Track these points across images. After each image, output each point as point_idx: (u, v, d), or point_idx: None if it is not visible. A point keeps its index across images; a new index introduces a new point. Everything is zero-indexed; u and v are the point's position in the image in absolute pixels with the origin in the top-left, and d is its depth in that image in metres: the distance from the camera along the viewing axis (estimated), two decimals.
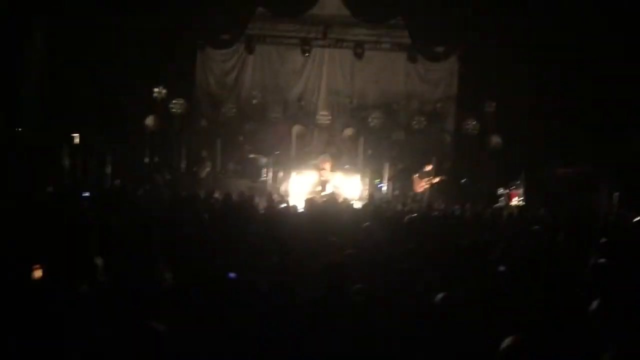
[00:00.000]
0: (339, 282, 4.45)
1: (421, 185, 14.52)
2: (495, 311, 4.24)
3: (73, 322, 3.66)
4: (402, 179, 15.42)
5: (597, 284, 5.03)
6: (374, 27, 16.32)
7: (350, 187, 14.51)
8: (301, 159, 15.61)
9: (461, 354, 3.71)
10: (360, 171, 15.23)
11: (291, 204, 10.84)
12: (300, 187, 14.29)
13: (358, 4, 15.48)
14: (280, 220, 8.46)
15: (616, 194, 12.97)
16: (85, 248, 5.17)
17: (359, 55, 16.53)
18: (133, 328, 3.11)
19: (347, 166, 15.37)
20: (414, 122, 16.43)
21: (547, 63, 14.10)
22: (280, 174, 15.00)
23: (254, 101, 16.70)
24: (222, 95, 16.85)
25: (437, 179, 14.38)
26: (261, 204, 10.90)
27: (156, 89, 15.36)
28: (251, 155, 15.81)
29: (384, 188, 15.24)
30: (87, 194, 9.59)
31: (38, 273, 4.49)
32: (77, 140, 13.68)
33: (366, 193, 14.23)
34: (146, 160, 15.08)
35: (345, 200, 11.79)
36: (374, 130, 16.31)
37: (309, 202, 10.16)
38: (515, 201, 14.01)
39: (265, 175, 15.14)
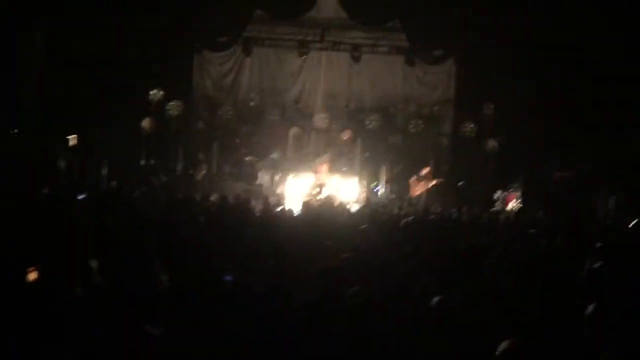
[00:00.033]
0: (335, 286, 4.44)
1: (418, 189, 14.53)
2: (491, 315, 4.23)
3: (68, 325, 3.64)
4: (399, 182, 15.43)
5: (593, 287, 5.03)
6: (372, 30, 16.35)
7: (347, 189, 14.51)
8: (298, 162, 15.60)
9: (458, 358, 3.70)
10: (357, 174, 15.22)
11: (287, 207, 10.83)
12: (296, 190, 14.28)
13: (355, 6, 15.51)
14: (276, 223, 8.44)
15: (613, 197, 13.00)
16: (80, 250, 5.16)
17: (356, 58, 16.56)
18: (128, 331, 3.10)
19: (344, 169, 15.37)
20: (411, 125, 16.43)
21: (546, 65, 14.10)
22: (277, 177, 14.98)
23: (251, 104, 16.68)
24: (219, 98, 16.83)
25: (433, 182, 14.39)
26: (257, 207, 10.89)
27: (153, 91, 15.34)
28: (247, 158, 15.80)
29: (381, 191, 15.24)
30: (83, 196, 9.56)
31: (33, 275, 4.47)
32: (73, 142, 13.65)
33: (363, 196, 14.22)
34: (142, 162, 15.05)
35: (341, 204, 11.78)
36: (371, 133, 16.31)
37: (305, 206, 10.15)
38: (512, 204, 14.03)
39: (261, 178, 15.13)
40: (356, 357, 3.75)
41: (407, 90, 17.00)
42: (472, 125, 15.86)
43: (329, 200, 11.55)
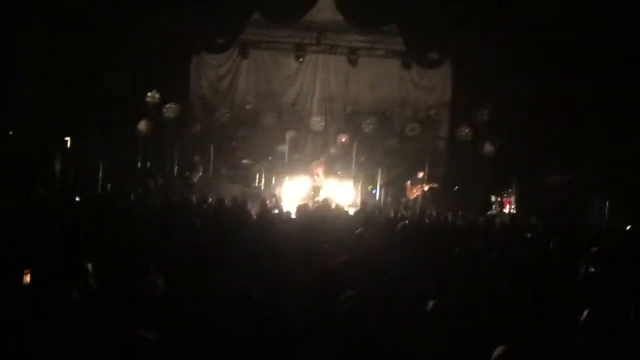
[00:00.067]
0: (331, 289, 4.44)
1: (414, 192, 14.55)
2: (487, 319, 4.24)
3: (62, 328, 3.63)
4: (396, 185, 15.44)
5: (587, 292, 5.04)
6: (368, 34, 16.37)
7: (343, 193, 14.51)
8: (294, 165, 15.61)
9: None
10: (353, 177, 15.24)
11: (284, 209, 10.83)
12: (293, 192, 14.28)
13: (352, 10, 15.52)
14: (273, 226, 8.44)
15: (607, 202, 13.03)
16: (76, 252, 5.14)
17: (353, 62, 16.58)
18: (123, 335, 3.09)
19: (339, 172, 15.39)
20: (408, 129, 16.46)
21: (544, 67, 14.07)
22: (273, 180, 14.99)
23: (248, 106, 16.68)
24: (216, 100, 16.84)
25: (429, 186, 14.41)
26: (254, 209, 10.88)
27: (149, 93, 15.32)
28: (244, 161, 15.80)
29: (377, 194, 15.26)
30: (78, 199, 9.54)
31: (28, 277, 4.46)
32: (69, 144, 13.63)
33: (359, 199, 14.23)
34: (139, 164, 15.02)
35: (338, 207, 11.78)
36: (367, 136, 16.33)
37: (302, 209, 10.15)
38: (507, 209, 14.06)
39: (258, 180, 15.13)
40: None
41: (403, 94, 17.03)
42: (467, 130, 15.89)
43: (325, 204, 11.55)
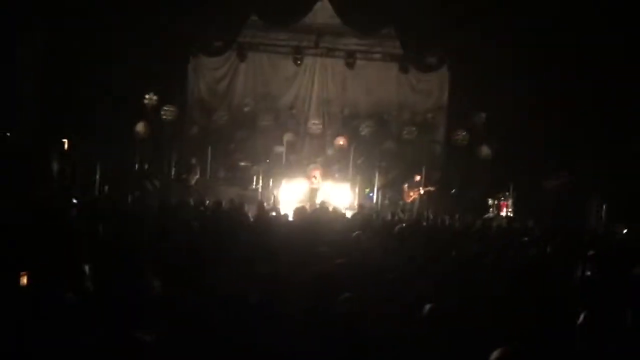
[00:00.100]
0: (329, 292, 4.44)
1: (411, 195, 14.57)
2: (484, 323, 4.24)
3: (59, 330, 3.62)
4: (393, 188, 15.46)
5: (584, 296, 5.05)
6: (366, 37, 16.40)
7: (341, 195, 14.52)
8: (292, 167, 15.62)
9: None
10: (350, 180, 15.25)
11: (282, 212, 10.84)
12: (290, 195, 14.28)
13: (350, 13, 15.54)
14: (270, 228, 8.44)
15: (604, 205, 13.05)
16: (73, 254, 5.13)
17: (350, 65, 16.60)
18: (119, 337, 3.08)
19: (337, 175, 15.40)
20: (405, 132, 16.50)
21: (543, 68, 14.07)
22: (271, 182, 14.99)
23: (246, 109, 16.70)
24: (213, 103, 16.85)
25: (426, 189, 14.43)
26: (251, 212, 10.89)
27: (147, 96, 15.32)
28: (242, 163, 15.80)
29: (374, 197, 15.27)
30: (75, 200, 9.53)
31: (23, 280, 4.45)
32: (66, 146, 13.61)
33: (356, 202, 14.24)
34: (136, 166, 15.01)
35: (336, 209, 11.79)
36: (365, 139, 16.35)
37: (299, 211, 10.15)
38: (504, 212, 14.08)
39: (255, 183, 15.13)
40: None
41: (400, 97, 17.07)
42: (464, 133, 15.92)
43: (323, 206, 11.55)
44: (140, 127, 15.21)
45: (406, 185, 14.73)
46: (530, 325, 4.32)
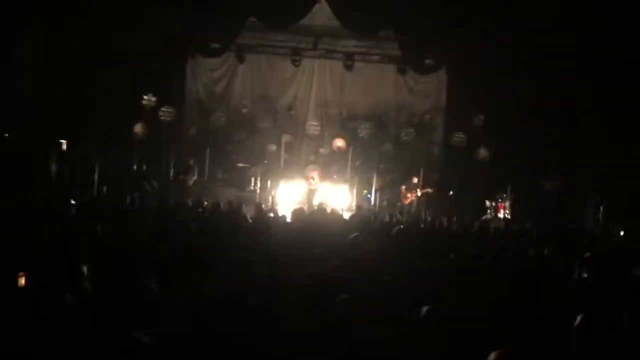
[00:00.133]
0: (326, 294, 4.45)
1: (409, 197, 14.59)
2: (481, 325, 4.25)
3: (57, 331, 3.63)
4: (391, 190, 15.47)
5: (581, 298, 5.06)
6: (364, 39, 16.42)
7: (339, 197, 14.53)
8: (290, 168, 15.63)
9: None
10: (348, 181, 15.26)
11: (279, 213, 10.84)
12: (288, 196, 14.29)
13: (349, 15, 15.55)
14: (268, 230, 8.44)
15: (602, 207, 13.07)
16: (71, 255, 5.14)
17: (348, 67, 16.62)
18: (117, 338, 3.09)
19: (335, 176, 15.41)
20: (403, 134, 16.51)
21: (543, 68, 14.06)
22: (269, 184, 15.00)
23: (244, 110, 16.70)
24: (211, 104, 16.85)
25: (424, 191, 14.44)
26: (249, 213, 10.89)
27: (146, 96, 15.31)
28: (240, 164, 15.81)
29: (372, 199, 15.28)
30: (74, 201, 9.52)
31: (22, 280, 4.45)
32: (64, 146, 13.61)
33: (354, 203, 14.25)
34: (134, 167, 15.00)
35: (334, 211, 11.80)
36: (363, 141, 16.36)
37: (297, 212, 10.16)
38: (502, 214, 14.09)
39: (253, 184, 15.14)
40: None
41: (399, 99, 17.09)
42: (462, 135, 15.94)
43: (321, 208, 11.56)
44: (138, 128, 15.20)
45: (404, 187, 14.75)
46: (528, 327, 4.33)
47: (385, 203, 15.21)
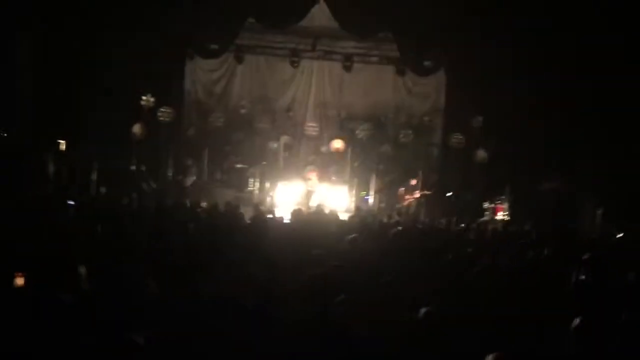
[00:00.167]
0: (324, 294, 4.45)
1: (407, 198, 14.59)
2: (479, 326, 4.26)
3: (55, 331, 3.63)
4: (389, 191, 15.47)
5: (579, 299, 5.07)
6: (363, 40, 16.42)
7: (337, 198, 14.53)
8: (288, 169, 15.63)
9: None
10: (347, 183, 15.26)
11: (278, 214, 10.84)
12: (287, 197, 14.29)
13: (347, 16, 15.55)
14: (266, 231, 8.44)
15: (600, 210, 13.06)
16: (69, 256, 5.13)
17: (347, 68, 16.61)
18: (114, 338, 3.09)
19: (334, 177, 15.41)
20: (402, 135, 16.51)
21: (543, 68, 14.04)
22: (267, 184, 15.00)
23: (242, 111, 16.69)
24: (210, 105, 16.84)
25: (422, 192, 14.45)
26: (247, 214, 10.88)
27: (144, 97, 15.30)
28: (238, 165, 15.80)
29: (370, 200, 15.28)
30: (72, 201, 9.51)
31: (20, 280, 4.45)
32: (63, 147, 13.59)
33: (353, 205, 14.25)
34: (133, 168, 14.99)
35: (332, 212, 11.80)
36: (361, 142, 16.37)
37: (295, 213, 10.16)
38: (500, 215, 14.09)
39: (251, 185, 15.14)
40: None
41: (397, 101, 17.09)
42: (461, 137, 15.94)
43: (319, 209, 11.56)
44: (137, 128, 15.18)
45: (402, 189, 14.74)
46: (526, 328, 4.34)
47: (383, 204, 15.21)
